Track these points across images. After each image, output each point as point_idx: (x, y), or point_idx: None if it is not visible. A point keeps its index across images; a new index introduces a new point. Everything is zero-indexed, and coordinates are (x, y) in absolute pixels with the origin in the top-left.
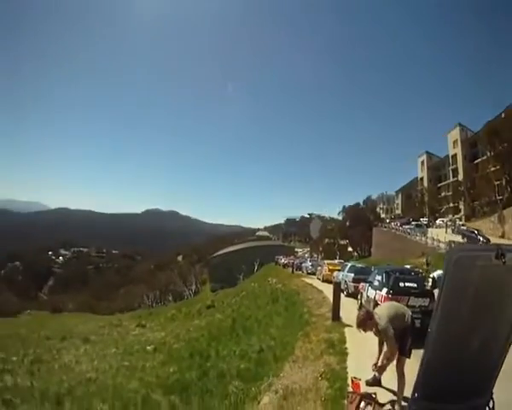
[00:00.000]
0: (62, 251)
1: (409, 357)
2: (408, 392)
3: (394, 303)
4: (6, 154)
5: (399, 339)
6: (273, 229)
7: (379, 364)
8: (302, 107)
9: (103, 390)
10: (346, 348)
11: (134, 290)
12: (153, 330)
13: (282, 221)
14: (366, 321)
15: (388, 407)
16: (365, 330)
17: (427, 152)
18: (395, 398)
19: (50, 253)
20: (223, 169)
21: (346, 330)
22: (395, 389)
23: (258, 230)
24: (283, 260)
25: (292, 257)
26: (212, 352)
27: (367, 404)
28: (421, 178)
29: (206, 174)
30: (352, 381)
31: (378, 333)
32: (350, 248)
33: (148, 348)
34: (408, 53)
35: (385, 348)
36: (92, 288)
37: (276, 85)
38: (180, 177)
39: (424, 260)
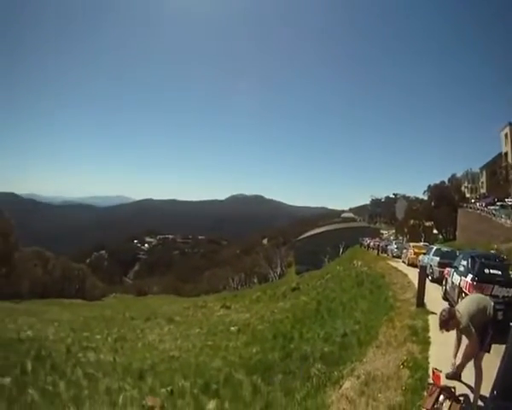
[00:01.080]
0: (148, 239)
1: (488, 352)
2: (486, 390)
3: (476, 296)
4: (89, 154)
5: (480, 334)
6: (358, 210)
7: (457, 362)
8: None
9: (185, 368)
10: (429, 337)
11: (219, 273)
12: (237, 311)
13: (368, 202)
14: (448, 321)
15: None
16: (448, 330)
17: (511, 123)
18: (472, 395)
19: (136, 241)
20: (307, 151)
21: (430, 317)
22: (473, 384)
23: (344, 211)
24: (369, 243)
25: (377, 239)
26: (295, 334)
27: (445, 398)
28: (505, 154)
29: (290, 157)
30: (433, 372)
31: (459, 331)
32: (435, 231)
33: (232, 328)
34: None
35: (464, 344)
36: (177, 271)
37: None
38: (264, 161)
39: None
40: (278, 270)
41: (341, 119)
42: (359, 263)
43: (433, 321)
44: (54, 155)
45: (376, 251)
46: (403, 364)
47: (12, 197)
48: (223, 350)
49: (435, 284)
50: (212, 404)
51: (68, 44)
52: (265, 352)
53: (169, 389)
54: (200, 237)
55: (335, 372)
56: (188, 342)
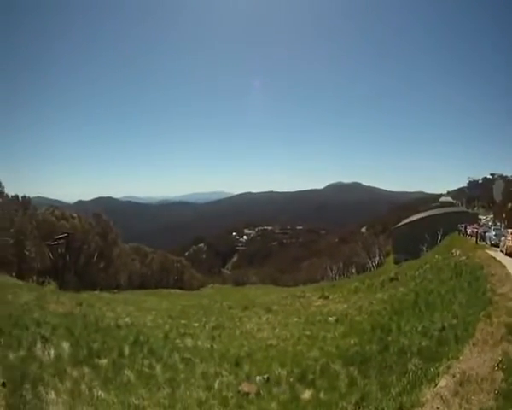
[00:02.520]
0: (246, 231)
1: None
2: None
3: None
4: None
5: None
6: (456, 193)
7: None
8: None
9: (282, 356)
10: None
11: (317, 263)
12: (335, 301)
13: (466, 184)
14: None
15: None
16: None
17: None
18: None
19: (234, 233)
20: (402, 134)
21: None
22: None
23: (441, 195)
24: (467, 230)
25: (475, 225)
26: (393, 326)
27: None
28: None
29: (386, 141)
30: None
31: None
32: None
33: (330, 319)
34: None
35: None
36: (275, 262)
37: None
38: (361, 147)
39: None
40: (376, 259)
41: (433, 94)
42: (458, 252)
43: None
44: (148, 158)
45: (475, 239)
46: (497, 365)
47: (110, 201)
48: (320, 340)
49: None
50: (307, 393)
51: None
52: (363, 344)
53: (265, 376)
54: (298, 228)
55: (431, 369)
56: (286, 332)
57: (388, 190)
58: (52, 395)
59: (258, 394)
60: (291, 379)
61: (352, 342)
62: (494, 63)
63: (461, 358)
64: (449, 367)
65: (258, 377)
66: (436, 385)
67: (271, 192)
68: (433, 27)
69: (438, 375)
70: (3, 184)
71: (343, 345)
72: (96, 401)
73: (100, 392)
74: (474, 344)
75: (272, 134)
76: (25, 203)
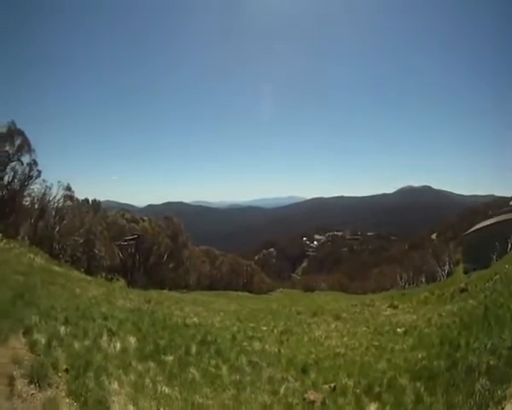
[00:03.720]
0: (317, 236)
1: None
2: None
3: None
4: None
5: None
6: None
7: None
8: None
9: (350, 366)
10: None
11: (387, 271)
12: (404, 311)
13: None
14: None
15: None
16: None
17: None
18: None
19: (305, 238)
20: (471, 135)
21: None
22: None
23: None
24: None
25: None
26: (462, 341)
27: None
28: None
29: (455, 142)
30: None
31: None
32: None
33: (399, 330)
34: None
35: None
36: (345, 268)
37: None
38: (431, 150)
39: None
40: (446, 268)
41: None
42: None
43: None
44: (218, 164)
45: None
46: None
47: (181, 205)
48: (388, 352)
49: None
50: (373, 407)
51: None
52: (431, 358)
53: (332, 385)
54: (368, 234)
55: (499, 391)
56: (354, 340)
57: (458, 193)
58: (115, 385)
59: (323, 403)
60: (357, 390)
61: (419, 355)
62: None
63: None
64: None
65: (324, 386)
66: (502, 409)
67: (342, 197)
68: None
69: (505, 398)
70: (74, 188)
71: (411, 358)
72: (160, 395)
73: (164, 387)
74: None
75: (344, 139)
76: (95, 206)
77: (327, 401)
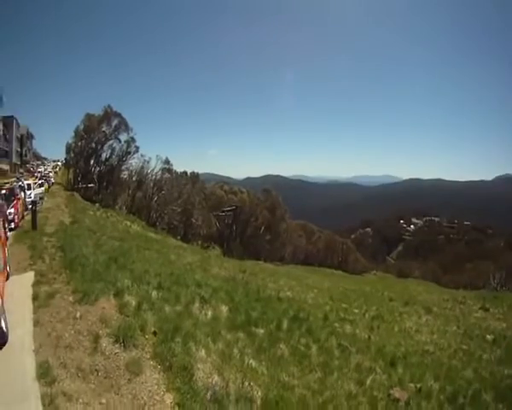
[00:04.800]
0: (414, 220)
1: None
2: None
3: None
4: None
5: None
6: None
7: None
8: None
9: (437, 367)
10: None
11: (480, 267)
12: (495, 316)
13: None
14: None
15: None
16: None
17: None
18: None
19: (402, 221)
20: None
21: None
22: None
23: None
24: None
25: None
26: None
27: None
28: None
29: None
30: None
31: None
32: None
33: (488, 337)
34: None
35: None
36: (440, 258)
37: None
38: None
39: None
40: None
41: None
42: None
43: None
44: (319, 140)
45: None
46: None
47: (279, 179)
48: (476, 360)
49: None
50: None
51: None
52: None
53: (418, 385)
54: (465, 223)
55: None
56: (443, 340)
57: None
58: (202, 352)
59: (407, 403)
60: (441, 396)
61: (506, 372)
62: None
63: None
64: None
65: (410, 385)
66: None
67: (440, 180)
68: None
69: None
70: (172, 162)
71: (497, 372)
72: (246, 368)
73: (251, 360)
74: None
75: (440, 123)
76: (193, 178)
77: (411, 401)
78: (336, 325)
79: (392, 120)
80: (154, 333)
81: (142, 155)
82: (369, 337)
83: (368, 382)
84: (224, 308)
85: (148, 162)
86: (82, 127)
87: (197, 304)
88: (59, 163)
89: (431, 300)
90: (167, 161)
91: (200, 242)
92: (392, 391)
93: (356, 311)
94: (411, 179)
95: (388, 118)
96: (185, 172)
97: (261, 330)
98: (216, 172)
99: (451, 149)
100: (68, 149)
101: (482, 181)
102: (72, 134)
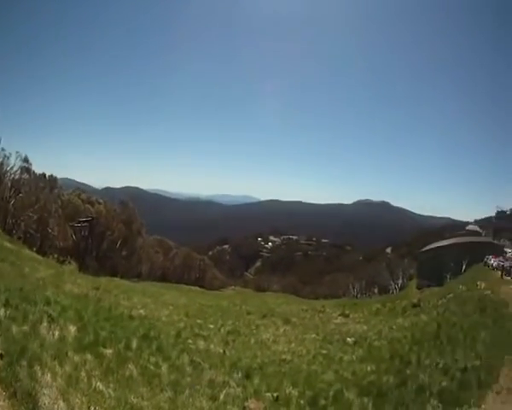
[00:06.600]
0: (272, 238)
1: None
2: None
3: None
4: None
5: None
6: (483, 223)
7: None
8: None
9: (296, 374)
10: None
11: (340, 278)
12: (355, 321)
13: (493, 214)
14: None
15: None
16: None
17: None
18: None
19: (260, 239)
20: (433, 159)
21: None
22: None
23: (468, 223)
24: (492, 262)
25: (501, 258)
26: (413, 358)
27: None
28: None
29: (418, 164)
30: None
31: None
32: None
33: (349, 339)
34: None
35: None
36: (298, 272)
37: None
38: (392, 167)
39: None
40: (399, 282)
41: (470, 120)
42: (482, 285)
43: None
44: (178, 155)
45: (500, 273)
46: None
47: (138, 191)
48: (336, 362)
49: None
50: None
51: None
52: (380, 373)
53: (275, 394)
54: (323, 241)
55: None
56: (302, 347)
57: (416, 212)
58: (48, 377)
59: None
60: (301, 401)
61: (368, 369)
62: None
63: (483, 406)
64: None
65: (267, 394)
66: None
67: (300, 202)
68: None
69: None
70: (32, 161)
71: (359, 371)
72: (93, 391)
73: (98, 383)
74: (497, 392)
75: (302, 145)
76: (51, 182)
77: None
78: (190, 341)
79: (252, 139)
80: (1, 356)
81: (2, 149)
82: (224, 352)
83: (221, 397)
84: (72, 328)
85: (8, 158)
86: None
87: (45, 323)
88: None
89: (290, 311)
90: (26, 160)
91: (56, 255)
92: (247, 403)
93: (211, 326)
94: (271, 200)
95: (248, 137)
96: (44, 175)
97: (109, 351)
98: (76, 179)
99: (312, 173)
100: None
101: (342, 204)
102: None
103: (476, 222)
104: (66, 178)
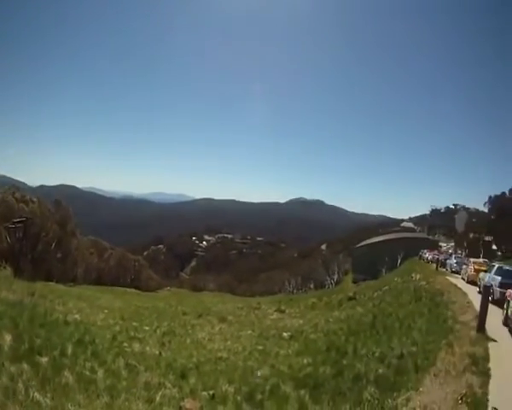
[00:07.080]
0: (206, 237)
1: None
2: None
3: None
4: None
5: None
6: (418, 220)
7: None
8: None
9: (232, 371)
10: (489, 369)
11: (276, 275)
12: (291, 316)
13: (428, 212)
14: None
15: None
16: None
17: None
18: None
19: (194, 238)
20: (367, 158)
21: (490, 345)
22: None
23: (403, 221)
24: (427, 255)
25: (436, 252)
26: (349, 348)
27: None
28: None
29: (351, 162)
30: None
31: None
32: (494, 246)
33: (285, 334)
34: None
35: None
36: (234, 271)
37: None
38: (326, 165)
39: None
40: (335, 277)
41: (402, 124)
42: (418, 276)
43: (494, 350)
44: (115, 152)
45: (435, 265)
46: (461, 399)
47: (72, 190)
48: (273, 357)
49: (495, 307)
50: None
51: None
52: (316, 365)
53: (211, 392)
54: (258, 239)
55: (389, 400)
56: (238, 344)
57: (351, 210)
58: None
59: None
60: (238, 398)
61: (305, 361)
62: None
63: (421, 389)
64: (408, 399)
65: (203, 393)
66: None
67: (233, 201)
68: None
69: (396, 407)
70: None
71: (296, 365)
72: (30, 402)
73: (36, 393)
74: (435, 375)
75: (237, 145)
76: None
77: (204, 409)
78: (125, 344)
79: (185, 139)
80: None
81: None
82: (160, 353)
83: (157, 398)
84: (8, 337)
85: None
86: None
87: None
88: None
89: (225, 309)
90: None
91: None
92: (182, 403)
93: (147, 328)
94: (204, 199)
95: (181, 137)
96: None
97: (45, 359)
98: (13, 176)
99: (245, 172)
100: None
101: (276, 203)
102: None
103: (411, 219)
104: (4, 176)
